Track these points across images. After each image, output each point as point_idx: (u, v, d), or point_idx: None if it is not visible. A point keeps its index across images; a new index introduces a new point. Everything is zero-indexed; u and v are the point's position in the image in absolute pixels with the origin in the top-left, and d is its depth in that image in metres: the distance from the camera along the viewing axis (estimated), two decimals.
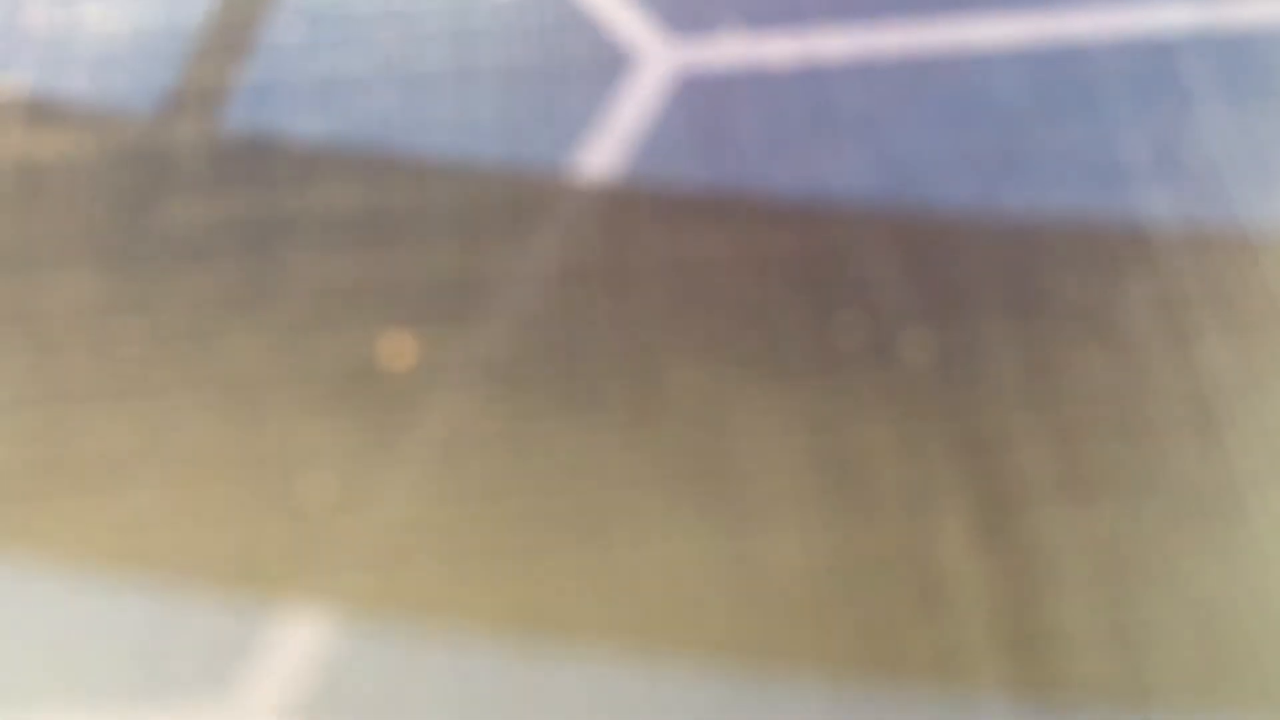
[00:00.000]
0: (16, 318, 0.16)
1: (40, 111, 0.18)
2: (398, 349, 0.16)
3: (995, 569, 0.15)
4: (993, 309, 0.16)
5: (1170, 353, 0.16)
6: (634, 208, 0.17)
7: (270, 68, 0.18)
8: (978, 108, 0.18)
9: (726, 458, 0.15)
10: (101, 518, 0.15)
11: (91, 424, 0.16)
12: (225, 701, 0.14)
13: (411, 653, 0.14)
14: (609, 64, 0.18)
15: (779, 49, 0.19)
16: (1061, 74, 0.18)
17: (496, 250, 0.17)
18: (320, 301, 0.16)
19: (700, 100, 0.18)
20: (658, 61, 0.18)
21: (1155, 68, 0.18)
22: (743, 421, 0.16)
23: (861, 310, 0.16)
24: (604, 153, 0.18)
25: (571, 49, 0.18)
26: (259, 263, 0.17)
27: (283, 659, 0.14)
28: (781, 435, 0.16)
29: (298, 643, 0.14)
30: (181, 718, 0.14)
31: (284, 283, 0.17)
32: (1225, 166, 0.17)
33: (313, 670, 0.14)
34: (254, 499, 0.15)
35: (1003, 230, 0.17)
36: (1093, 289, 0.17)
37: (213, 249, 0.17)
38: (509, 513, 0.15)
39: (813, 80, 0.18)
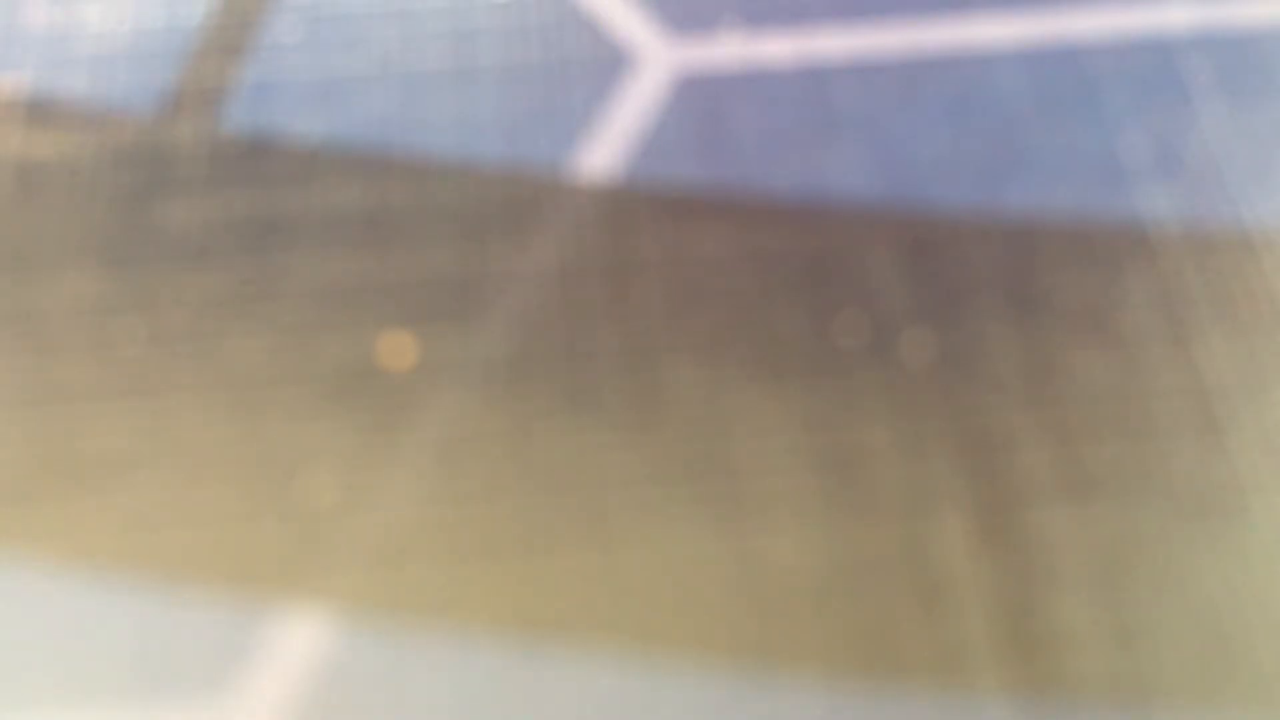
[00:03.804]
0: (16, 318, 0.16)
1: (40, 111, 0.18)
2: (398, 349, 0.16)
3: (995, 569, 0.15)
4: (993, 309, 0.16)
5: (1170, 353, 0.16)
6: (634, 207, 0.17)
7: (270, 68, 0.18)
8: (978, 108, 0.18)
9: (726, 457, 0.15)
10: (101, 518, 0.15)
11: (91, 424, 0.16)
12: (224, 702, 0.14)
13: (411, 653, 0.14)
14: (609, 64, 0.18)
15: (779, 49, 0.19)
16: (1062, 74, 0.18)
17: (496, 250, 0.17)
18: (320, 301, 0.16)
19: (700, 100, 0.18)
20: (658, 61, 0.18)
21: (1155, 68, 0.18)
22: (743, 421, 0.16)
23: (861, 310, 0.16)
24: (604, 153, 0.18)
25: (571, 49, 0.18)
26: (259, 263, 0.17)
27: (282, 659, 0.14)
28: (781, 435, 0.16)
29: (297, 643, 0.14)
30: (181, 718, 0.14)
31: (284, 283, 0.17)
32: (1225, 166, 0.17)
33: (312, 670, 0.14)
34: (254, 499, 0.15)
35: (1003, 230, 0.17)
36: (1093, 289, 0.17)
37: (213, 249, 0.17)
38: (509, 513, 0.15)
39: (813, 80, 0.18)
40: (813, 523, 0.15)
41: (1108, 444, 0.15)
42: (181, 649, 0.14)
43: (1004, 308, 0.16)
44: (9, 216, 0.17)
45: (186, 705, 0.14)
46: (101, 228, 0.17)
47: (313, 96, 0.18)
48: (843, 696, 0.14)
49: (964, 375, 0.16)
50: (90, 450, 0.15)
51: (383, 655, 0.14)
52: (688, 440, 0.16)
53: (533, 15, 0.19)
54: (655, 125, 0.18)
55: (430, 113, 0.18)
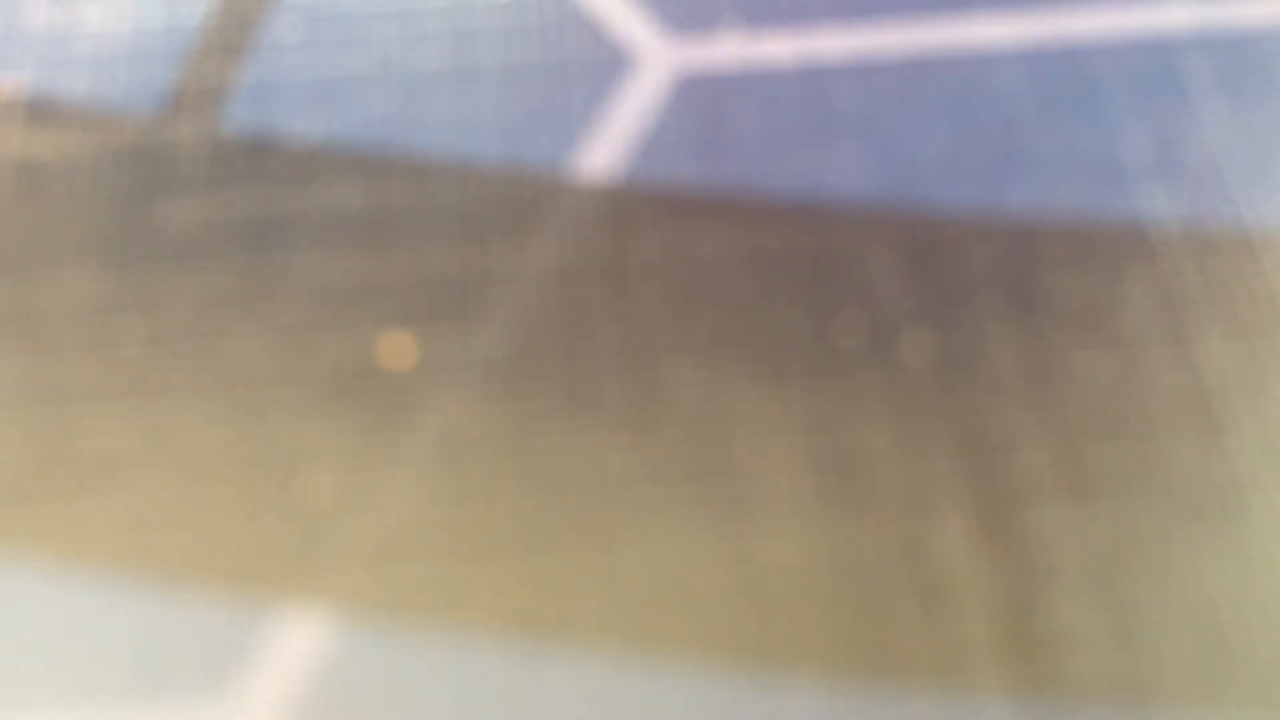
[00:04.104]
0: (16, 318, 0.16)
1: (40, 111, 0.18)
2: (398, 349, 0.16)
3: (995, 569, 0.15)
4: (993, 309, 0.16)
5: (1170, 353, 0.16)
6: (634, 208, 0.17)
7: (270, 68, 0.18)
8: (978, 108, 0.18)
9: (726, 457, 0.15)
10: (101, 518, 0.15)
11: (91, 424, 0.16)
12: (224, 702, 0.14)
13: (411, 653, 0.14)
14: (609, 64, 0.18)
15: (779, 49, 0.19)
16: (1062, 73, 0.18)
17: (496, 250, 0.17)
18: (320, 301, 0.16)
19: (700, 100, 0.18)
20: (658, 61, 0.18)
21: (1155, 67, 0.18)
22: (743, 421, 0.16)
23: (861, 310, 0.16)
24: (604, 153, 0.18)
25: (571, 49, 0.18)
26: (259, 263, 0.17)
27: (282, 659, 0.14)
28: (781, 435, 0.16)
29: (297, 643, 0.14)
30: (181, 718, 0.14)
31: (284, 283, 0.17)
32: (1225, 166, 0.17)
33: (312, 670, 0.14)
34: (254, 499, 0.15)
35: (1003, 230, 0.17)
36: (1093, 289, 0.17)
37: (213, 249, 0.17)
38: (509, 513, 0.15)
39: (813, 80, 0.18)
40: (813, 523, 0.15)
41: (1108, 444, 0.15)
42: (181, 649, 0.14)
43: (1004, 308, 0.16)
44: (9, 216, 0.17)
45: (186, 705, 0.14)
46: (101, 228, 0.17)
47: (313, 96, 0.18)
48: (843, 696, 0.14)
49: (964, 375, 0.16)
50: (90, 450, 0.15)
51: (383, 655, 0.14)
52: (688, 440, 0.16)
53: (533, 15, 0.19)
54: (655, 125, 0.18)
55: (430, 113, 0.18)
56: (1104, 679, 0.14)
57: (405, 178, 0.17)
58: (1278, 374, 0.16)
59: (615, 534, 0.15)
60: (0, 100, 0.18)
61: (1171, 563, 0.15)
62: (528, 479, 0.15)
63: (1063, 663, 0.14)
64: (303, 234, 0.17)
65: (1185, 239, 0.17)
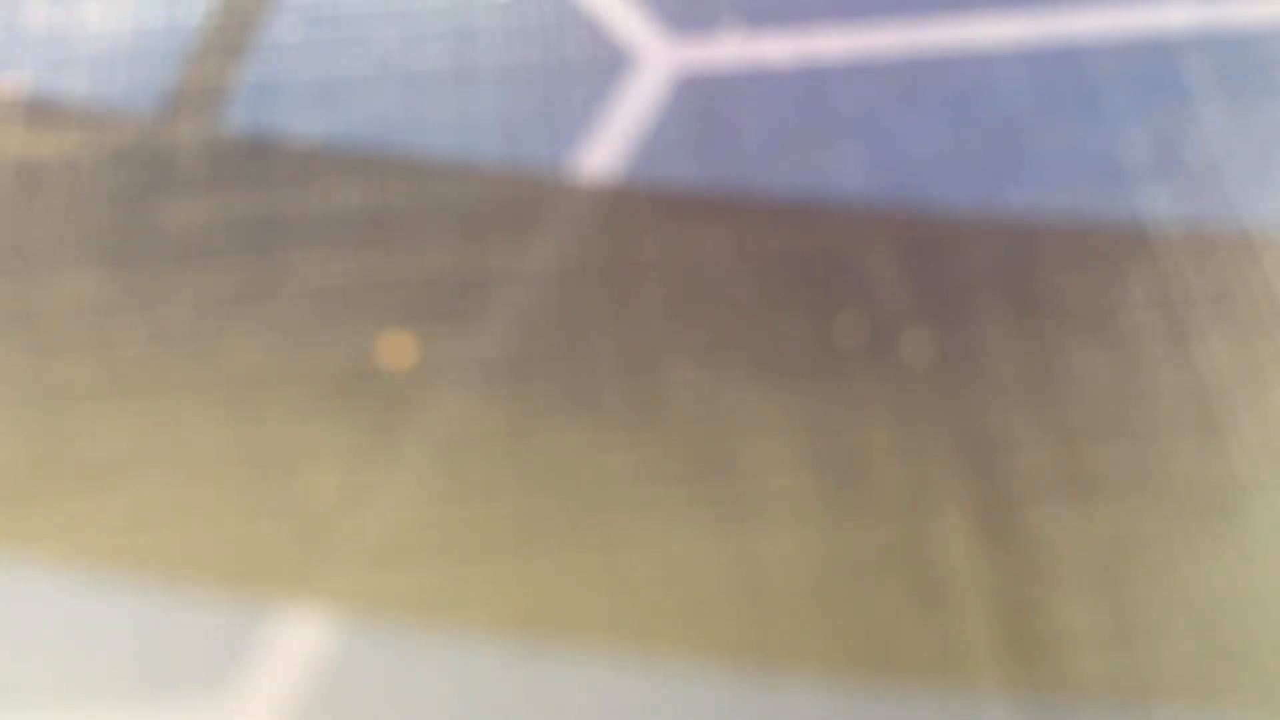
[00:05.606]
0: (16, 318, 0.16)
1: (40, 111, 0.18)
2: (398, 349, 0.16)
3: (995, 569, 0.15)
4: (993, 309, 0.16)
5: (1170, 353, 0.16)
6: (634, 207, 0.17)
7: (270, 68, 0.18)
8: (978, 107, 0.18)
9: (726, 457, 0.15)
10: (101, 518, 0.15)
11: (91, 424, 0.16)
12: (225, 702, 0.14)
13: (411, 653, 0.14)
14: (609, 64, 0.18)
15: (779, 49, 0.19)
16: (1062, 73, 0.18)
17: (496, 250, 0.17)
18: (320, 301, 0.16)
19: (700, 100, 0.18)
20: (658, 61, 0.18)
21: (1155, 68, 0.18)
22: (743, 421, 0.16)
23: (861, 310, 0.16)
24: (604, 152, 0.18)
25: (571, 49, 0.18)
26: (259, 263, 0.17)
27: (283, 659, 0.14)
28: (781, 435, 0.16)
29: (298, 643, 0.14)
30: (181, 718, 0.14)
31: (284, 283, 0.17)
32: (1225, 166, 0.17)
33: (313, 670, 0.14)
34: (254, 499, 0.15)
35: (1003, 230, 0.17)
36: (1093, 289, 0.17)
37: (213, 249, 0.17)
38: (509, 513, 0.15)
39: (813, 80, 0.18)
40: (813, 523, 0.15)
41: (1108, 444, 0.15)
42: (182, 649, 0.14)
43: (1004, 308, 0.16)
44: (9, 216, 0.17)
45: (186, 705, 0.14)
46: (101, 228, 0.17)
47: (313, 96, 0.18)
48: (843, 696, 0.14)
49: (964, 375, 0.16)
50: (90, 450, 0.15)
51: (383, 655, 0.14)
52: (688, 440, 0.16)
53: (533, 15, 0.19)
54: (655, 125, 0.18)
55: (430, 113, 0.18)
56: (1104, 679, 0.14)
57: (405, 178, 0.17)
58: (1278, 374, 0.16)
59: (615, 534, 0.15)
60: (0, 100, 0.18)
61: (1171, 563, 0.15)
62: (528, 479, 0.15)
63: (1063, 663, 0.14)
64: (303, 234, 0.17)
65: (1185, 239, 0.17)
